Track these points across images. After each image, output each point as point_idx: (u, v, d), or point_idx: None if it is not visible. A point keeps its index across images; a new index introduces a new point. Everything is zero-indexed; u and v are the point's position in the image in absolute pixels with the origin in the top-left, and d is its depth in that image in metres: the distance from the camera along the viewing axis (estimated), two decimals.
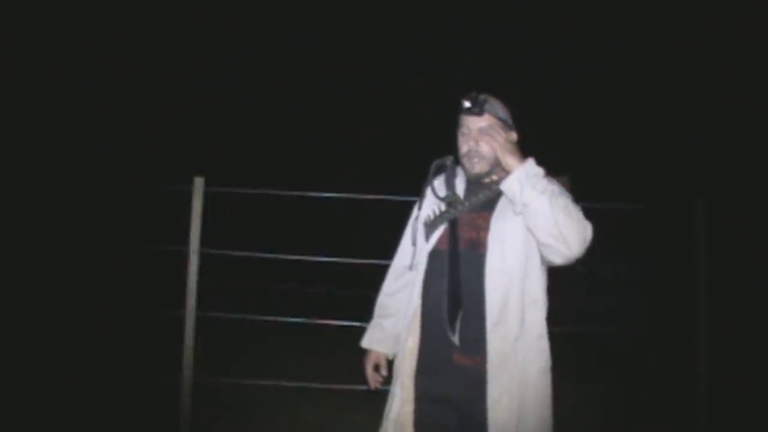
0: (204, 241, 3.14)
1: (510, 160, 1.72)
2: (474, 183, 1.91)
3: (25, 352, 4.47)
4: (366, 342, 2.07)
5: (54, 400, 3.68)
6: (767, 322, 5.69)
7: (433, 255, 1.85)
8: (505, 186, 1.70)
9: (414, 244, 1.94)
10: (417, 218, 1.96)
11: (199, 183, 3.14)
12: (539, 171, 1.71)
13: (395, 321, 2.00)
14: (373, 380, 2.03)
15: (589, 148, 10.98)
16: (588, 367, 4.77)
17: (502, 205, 1.82)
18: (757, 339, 5.33)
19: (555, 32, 12.36)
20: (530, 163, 1.71)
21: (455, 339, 1.73)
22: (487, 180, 1.88)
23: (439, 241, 1.86)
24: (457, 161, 1.97)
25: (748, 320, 5.81)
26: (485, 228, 1.80)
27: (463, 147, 1.88)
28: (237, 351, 5.09)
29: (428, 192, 1.95)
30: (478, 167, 1.85)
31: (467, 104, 1.84)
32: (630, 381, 4.70)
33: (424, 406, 1.82)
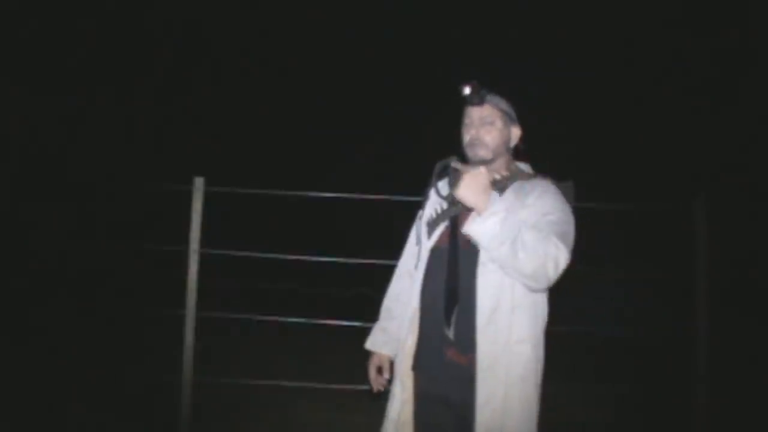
0: (204, 241, 3.15)
1: (482, 200, 1.68)
2: None
3: (26, 352, 4.47)
4: (369, 344, 2.07)
5: (54, 399, 3.67)
6: (767, 322, 5.69)
7: (434, 252, 1.86)
8: (473, 233, 1.68)
9: (418, 244, 1.94)
10: (420, 218, 1.97)
11: (199, 183, 3.14)
12: (496, 219, 1.66)
13: (398, 323, 1.98)
14: (376, 383, 2.03)
15: (590, 148, 10.98)
16: (588, 367, 4.77)
17: (502, 204, 1.80)
18: (757, 339, 5.33)
19: (556, 31, 12.35)
20: (488, 213, 1.67)
21: (450, 333, 1.74)
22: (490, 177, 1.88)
23: (440, 238, 1.87)
24: (459, 160, 1.97)
25: (749, 320, 5.81)
26: None
27: (466, 136, 1.90)
28: (237, 351, 5.09)
29: (431, 192, 1.96)
30: (482, 153, 1.86)
31: (467, 91, 1.85)
32: (630, 381, 4.70)
33: (423, 405, 1.82)
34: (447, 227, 1.87)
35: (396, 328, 1.99)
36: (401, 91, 13.19)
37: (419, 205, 2.00)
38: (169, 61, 12.41)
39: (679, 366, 3.36)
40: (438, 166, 1.97)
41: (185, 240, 3.13)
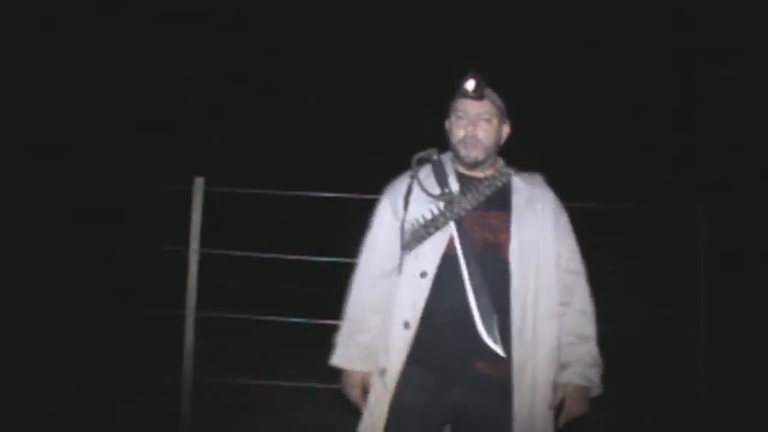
0: (204, 241, 3.15)
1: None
2: (467, 178, 1.80)
3: (25, 352, 4.47)
4: (344, 361, 1.85)
5: (53, 400, 3.67)
6: (767, 323, 5.69)
7: (445, 259, 1.71)
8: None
9: (405, 249, 1.76)
10: (404, 220, 1.77)
11: (199, 183, 3.14)
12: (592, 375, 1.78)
13: (373, 336, 1.80)
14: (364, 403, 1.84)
15: (592, 148, 10.98)
16: None
17: (519, 206, 1.76)
18: (756, 340, 5.33)
19: (559, 27, 12.35)
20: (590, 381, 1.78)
21: (498, 348, 1.64)
22: (481, 174, 1.81)
23: (449, 244, 1.72)
24: (439, 153, 1.85)
25: (748, 321, 5.80)
26: (504, 230, 1.73)
27: (459, 132, 1.77)
28: (237, 351, 5.09)
29: (415, 189, 1.79)
30: (475, 153, 1.75)
31: (471, 86, 1.72)
32: (630, 381, 4.70)
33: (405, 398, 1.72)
34: (452, 232, 1.72)
35: (370, 341, 1.80)
36: (402, 91, 13.19)
37: (388, 202, 1.85)
38: (169, 59, 12.42)
39: (679, 366, 3.36)
40: (416, 160, 1.83)
41: (185, 240, 3.13)
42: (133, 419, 3.49)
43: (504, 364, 1.67)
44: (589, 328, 1.78)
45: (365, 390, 1.82)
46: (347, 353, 1.83)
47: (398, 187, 1.85)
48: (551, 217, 1.78)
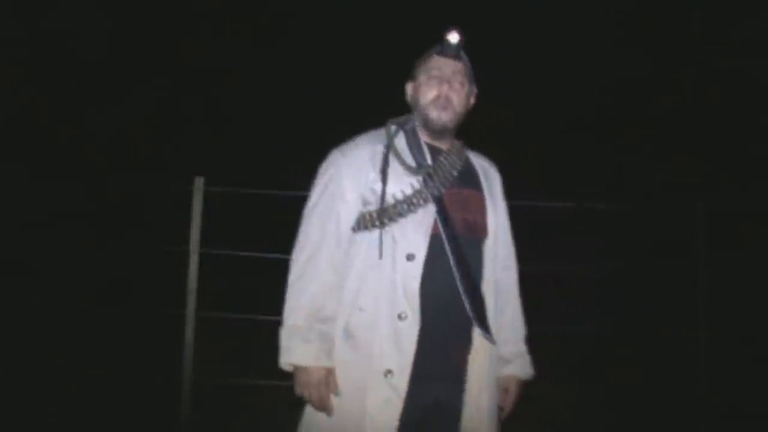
0: (204, 241, 3.15)
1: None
2: (435, 149, 1.66)
3: (25, 352, 4.47)
4: (308, 358, 1.56)
5: (53, 400, 3.67)
6: (766, 323, 5.70)
7: (434, 240, 1.55)
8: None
9: (378, 225, 1.55)
10: (383, 194, 1.56)
11: (199, 183, 3.15)
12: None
13: (334, 326, 1.57)
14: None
15: (591, 148, 10.98)
16: (587, 367, 4.77)
17: (487, 185, 1.72)
18: (756, 340, 5.34)
19: (562, 29, 12.35)
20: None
21: (491, 337, 1.56)
22: (443, 146, 1.67)
23: (434, 224, 1.57)
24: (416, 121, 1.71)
25: (748, 321, 5.81)
26: (479, 210, 1.65)
27: (432, 91, 1.63)
28: (237, 351, 5.09)
29: (392, 160, 1.60)
30: (446, 116, 1.62)
31: (455, 39, 1.60)
32: (630, 381, 4.70)
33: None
34: (434, 211, 1.57)
35: (333, 331, 1.57)
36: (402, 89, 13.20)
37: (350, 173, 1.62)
38: (168, 59, 12.43)
39: (679, 365, 3.37)
40: (393, 126, 1.68)
41: (185, 240, 3.14)
42: (133, 419, 3.49)
43: (468, 353, 1.59)
44: (522, 322, 1.79)
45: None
46: (310, 349, 1.55)
47: (364, 155, 1.62)
48: (502, 199, 1.77)
